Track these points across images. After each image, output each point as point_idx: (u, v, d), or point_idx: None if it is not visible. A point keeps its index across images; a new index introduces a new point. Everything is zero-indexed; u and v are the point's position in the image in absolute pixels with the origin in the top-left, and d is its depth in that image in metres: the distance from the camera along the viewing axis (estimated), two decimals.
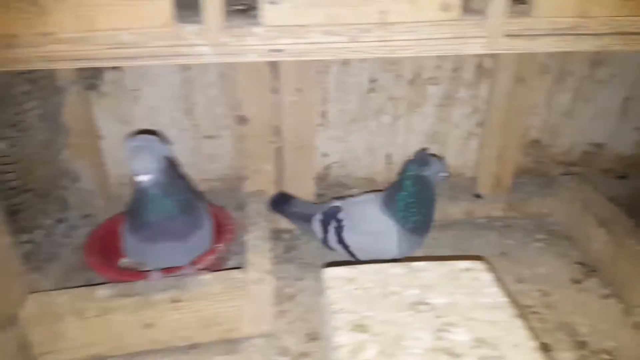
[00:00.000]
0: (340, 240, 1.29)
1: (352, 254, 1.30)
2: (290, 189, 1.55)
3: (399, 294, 0.84)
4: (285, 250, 1.51)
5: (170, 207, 0.99)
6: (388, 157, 1.67)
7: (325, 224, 1.32)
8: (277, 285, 1.33)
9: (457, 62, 1.53)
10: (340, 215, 1.30)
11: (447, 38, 0.95)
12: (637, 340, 1.20)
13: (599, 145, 1.71)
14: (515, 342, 0.76)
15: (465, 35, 0.95)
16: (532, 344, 0.76)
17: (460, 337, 0.76)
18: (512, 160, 1.61)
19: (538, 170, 1.72)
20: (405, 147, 1.65)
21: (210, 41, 0.90)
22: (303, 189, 1.57)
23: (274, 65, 1.38)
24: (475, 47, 0.96)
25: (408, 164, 1.24)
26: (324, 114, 1.57)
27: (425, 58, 1.51)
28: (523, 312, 1.26)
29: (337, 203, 1.36)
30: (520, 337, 0.77)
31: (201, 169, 1.58)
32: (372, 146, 1.64)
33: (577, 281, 1.39)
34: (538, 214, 1.64)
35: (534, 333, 0.80)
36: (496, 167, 1.62)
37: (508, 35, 0.96)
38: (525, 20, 0.96)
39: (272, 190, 1.53)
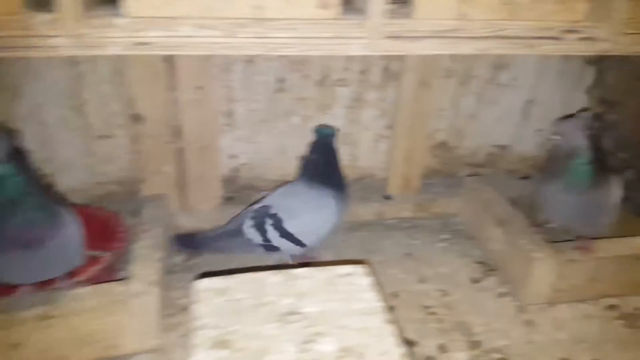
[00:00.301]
0: (283, 233, 1.28)
1: (298, 242, 1.29)
2: (194, 191, 1.48)
3: (273, 304, 0.80)
4: (187, 258, 1.44)
5: (15, 209, 0.88)
6: (299, 158, 1.63)
7: (260, 226, 1.29)
8: (171, 296, 1.27)
9: (365, 65, 1.52)
10: (273, 210, 1.29)
11: (328, 37, 0.92)
12: (528, 338, 1.24)
13: (503, 147, 1.77)
14: (382, 349, 0.75)
15: (346, 36, 0.93)
16: (399, 350, 0.75)
17: (326, 347, 0.74)
18: (421, 162, 1.63)
19: (446, 172, 1.76)
20: None
21: (66, 32, 0.82)
22: (208, 192, 1.51)
23: (169, 61, 1.31)
24: (356, 48, 0.94)
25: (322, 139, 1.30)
26: (229, 114, 1.51)
27: (333, 59, 1.49)
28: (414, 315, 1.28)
29: (259, 205, 1.33)
30: (388, 345, 0.75)
31: (94, 172, 1.47)
32: (282, 147, 1.60)
33: (476, 280, 1.42)
34: (444, 214, 1.68)
35: (401, 339, 0.79)
36: (405, 169, 1.63)
37: (389, 37, 0.95)
38: (406, 21, 0.95)
39: (173, 194, 1.46)
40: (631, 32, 1.07)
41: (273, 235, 1.29)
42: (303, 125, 1.58)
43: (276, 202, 1.32)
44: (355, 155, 1.68)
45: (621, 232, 1.51)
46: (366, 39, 0.95)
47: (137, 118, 1.36)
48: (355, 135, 1.64)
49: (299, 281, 0.85)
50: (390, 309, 1.31)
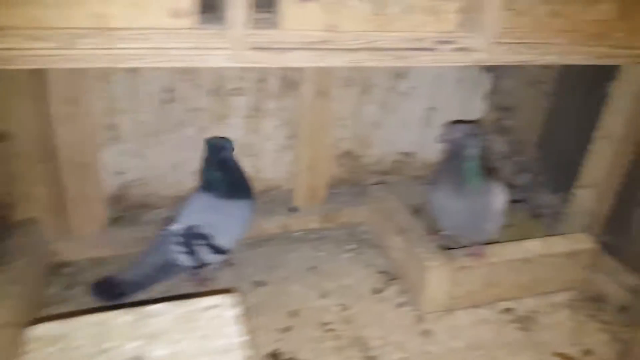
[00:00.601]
0: (216, 249, 1.26)
1: (224, 252, 1.29)
2: (75, 214, 1.35)
3: (115, 349, 0.72)
4: (66, 287, 1.30)
5: None
6: (196, 172, 1.55)
7: (190, 249, 1.23)
8: None
9: (262, 74, 1.47)
10: (203, 230, 1.24)
11: (184, 48, 0.85)
12: (424, 349, 1.23)
13: (407, 154, 1.78)
14: None
15: (207, 46, 0.86)
16: None
17: None
18: (326, 172, 1.60)
19: (352, 180, 1.74)
20: None
21: None
22: (90, 213, 1.38)
23: (36, 72, 1.17)
24: (218, 60, 0.88)
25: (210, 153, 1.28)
26: (113, 127, 1.39)
27: (227, 68, 1.42)
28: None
29: (176, 227, 1.23)
30: None
31: None
32: (176, 161, 1.51)
33: (377, 291, 1.40)
34: (351, 224, 1.65)
35: None
36: (310, 179, 1.59)
37: (254, 48, 0.89)
38: (273, 32, 0.90)
39: (49, 218, 1.32)
40: (506, 41, 1.09)
41: (205, 254, 1.25)
42: (198, 137, 1.48)
43: (200, 220, 1.25)
44: (259, 167, 1.61)
45: (518, 234, 1.57)
46: (229, 50, 0.89)
47: (1, 136, 1.21)
48: (257, 146, 1.58)
49: (152, 320, 0.77)
50: (287, 329, 1.26)
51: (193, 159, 1.51)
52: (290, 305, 1.32)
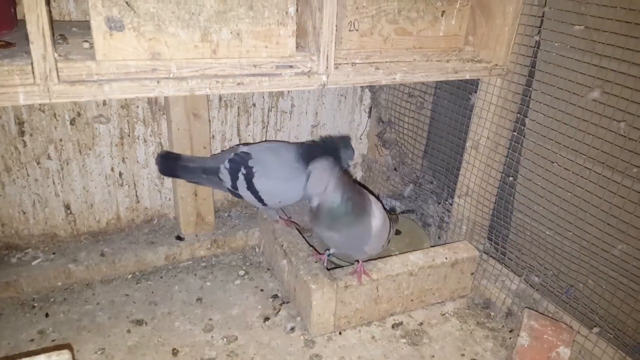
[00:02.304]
0: (250, 187, 1.31)
1: (260, 199, 1.34)
2: None
3: None
4: None
5: None
6: (67, 206, 1.44)
7: (234, 172, 1.32)
8: None
9: (124, 100, 1.38)
10: (251, 163, 1.31)
11: None
12: None
13: None
14: None
15: (9, 84, 0.78)
16: None
17: None
18: (209, 196, 1.53)
19: (244, 202, 1.68)
20: (86, 192, 1.44)
21: None
22: None
23: None
24: (26, 97, 0.79)
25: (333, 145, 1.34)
26: None
27: None
28: None
29: (244, 149, 1.35)
30: None
31: None
32: (41, 197, 1.39)
33: (267, 318, 1.35)
34: (244, 248, 1.60)
35: None
36: (195, 205, 1.52)
37: (67, 82, 0.81)
38: (87, 64, 0.83)
39: None
40: (352, 62, 1.08)
41: (241, 184, 1.31)
42: (63, 169, 1.38)
43: (258, 156, 1.33)
44: (138, 196, 1.52)
45: (408, 244, 1.58)
46: (36, 85, 0.81)
47: None
48: (132, 175, 1.49)
49: None
50: None
51: (61, 193, 1.42)
52: (170, 344, 1.24)
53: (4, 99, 0.79)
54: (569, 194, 1.19)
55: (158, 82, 0.88)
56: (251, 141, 1.62)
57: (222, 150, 1.44)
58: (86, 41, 0.92)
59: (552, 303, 1.27)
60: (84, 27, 1.11)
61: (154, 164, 1.49)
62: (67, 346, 1.11)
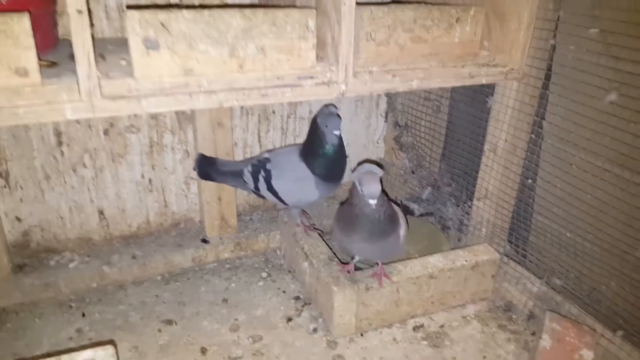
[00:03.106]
0: (270, 188, 1.40)
1: (281, 199, 1.43)
2: None
3: None
4: None
5: None
6: (101, 212, 1.52)
7: (255, 175, 1.42)
8: None
9: None
10: (269, 166, 1.42)
11: (33, 105, 0.83)
12: None
13: None
14: None
15: (58, 100, 0.85)
16: None
17: None
18: (232, 200, 1.59)
19: (265, 206, 1.74)
20: (119, 198, 1.52)
21: None
22: None
23: None
24: (72, 112, 0.86)
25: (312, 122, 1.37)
26: (4, 175, 1.35)
27: None
28: None
29: (266, 155, 1.46)
30: None
31: None
32: (77, 203, 1.47)
33: (289, 318, 1.40)
34: (266, 250, 1.65)
35: None
36: (219, 209, 1.58)
37: (109, 98, 0.88)
38: (127, 81, 0.89)
39: None
40: (369, 70, 1.11)
41: (262, 185, 1.42)
42: (97, 177, 1.47)
43: (274, 159, 1.44)
44: (166, 202, 1.59)
45: (427, 248, 1.60)
46: (81, 101, 0.87)
47: None
48: (161, 181, 1.56)
49: None
50: None
51: (95, 199, 1.50)
52: (199, 343, 1.30)
53: (53, 114, 0.86)
54: (589, 195, 1.19)
55: (190, 96, 0.94)
56: (271, 147, 1.68)
57: (252, 157, 1.54)
58: (123, 59, 0.98)
59: (575, 306, 1.27)
60: (118, 44, 1.19)
61: (182, 172, 1.57)
62: (110, 342, 1.17)
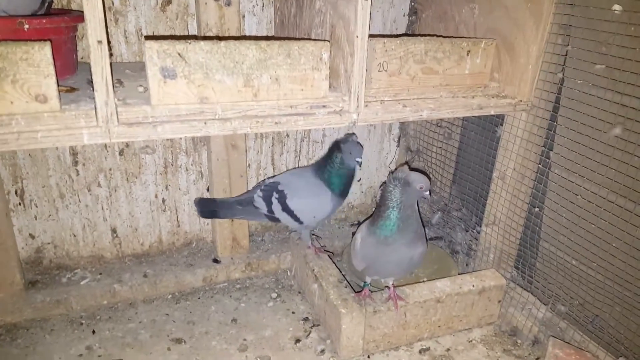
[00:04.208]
0: (285, 208, 1.43)
1: (296, 218, 1.46)
2: None
3: None
4: None
5: None
6: (114, 230, 1.54)
7: (267, 198, 1.45)
8: None
9: None
10: (280, 187, 1.45)
11: (52, 129, 0.87)
12: None
13: None
14: None
15: (75, 126, 0.88)
16: None
17: None
18: (245, 221, 1.61)
19: (276, 227, 1.76)
20: (132, 217, 1.55)
21: None
22: (5, 279, 1.37)
23: None
24: (89, 137, 0.90)
25: (335, 147, 1.44)
26: (19, 193, 1.39)
27: None
28: None
29: (270, 180, 1.50)
30: None
31: None
32: (91, 221, 1.50)
33: (298, 339, 1.40)
34: (276, 271, 1.67)
35: None
36: (231, 229, 1.61)
37: (126, 124, 0.91)
38: (143, 108, 0.92)
39: None
40: (381, 100, 1.14)
41: (277, 207, 1.44)
42: (111, 196, 1.50)
43: (285, 181, 1.47)
44: (178, 221, 1.62)
45: (439, 270, 1.61)
46: (98, 127, 0.91)
47: None
48: (174, 201, 1.59)
49: None
50: None
51: (109, 217, 1.54)
52: None
53: (71, 139, 0.89)
54: (593, 225, 1.21)
55: (205, 123, 0.97)
56: (284, 169, 1.71)
57: (249, 190, 1.56)
58: (140, 85, 1.02)
59: (578, 332, 1.28)
60: (136, 69, 1.23)
61: (195, 192, 1.60)
62: None
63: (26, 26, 0.96)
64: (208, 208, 1.49)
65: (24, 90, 0.84)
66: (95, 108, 0.89)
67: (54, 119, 0.87)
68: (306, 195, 1.44)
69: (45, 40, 0.86)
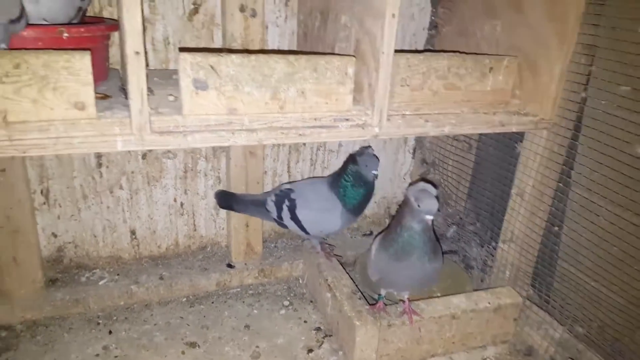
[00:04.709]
0: (293, 217, 1.45)
1: (303, 229, 1.47)
2: (8, 276, 1.37)
3: None
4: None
5: None
6: (133, 232, 1.57)
7: (279, 204, 1.46)
8: None
9: None
10: (293, 195, 1.46)
11: (87, 136, 0.89)
12: None
13: None
14: None
15: (110, 133, 0.91)
16: None
17: None
18: (259, 227, 1.63)
19: (290, 234, 1.77)
20: (151, 220, 1.57)
21: None
22: (25, 276, 1.40)
23: None
24: (123, 144, 0.92)
25: (351, 159, 1.45)
26: (44, 193, 1.42)
27: None
28: None
29: (287, 186, 1.51)
30: None
31: None
32: (111, 223, 1.53)
33: (310, 349, 1.41)
34: (289, 278, 1.68)
35: None
36: (246, 235, 1.62)
37: (157, 132, 0.93)
38: (175, 118, 0.95)
39: None
40: (402, 114, 1.15)
41: (286, 215, 1.46)
42: (132, 198, 1.53)
43: (299, 190, 1.49)
44: (195, 225, 1.64)
45: (453, 285, 1.61)
46: (132, 135, 0.93)
47: None
48: (192, 206, 1.62)
49: None
50: None
51: (129, 219, 1.56)
52: None
53: (105, 145, 0.92)
54: (615, 247, 1.20)
55: (233, 133, 0.99)
56: (299, 177, 1.73)
57: (268, 191, 1.59)
58: (170, 94, 1.04)
59: (597, 355, 1.26)
60: (164, 76, 1.26)
61: (212, 197, 1.62)
62: None
63: (65, 34, 1.00)
64: (226, 201, 1.53)
65: (64, 98, 0.87)
66: (130, 116, 0.91)
67: (91, 126, 0.90)
68: (316, 208, 1.45)
69: (81, 48, 0.89)
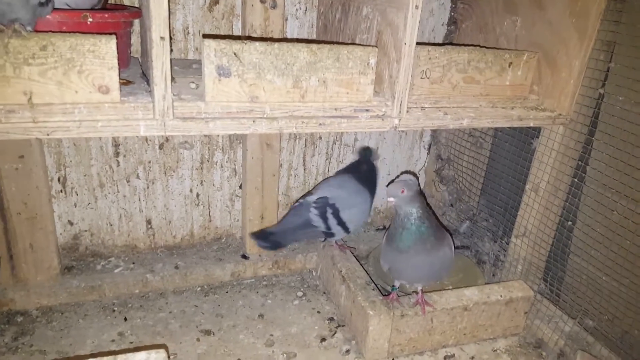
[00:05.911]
0: (339, 221, 1.45)
1: (345, 228, 1.48)
2: (25, 263, 1.39)
3: None
4: (14, 337, 1.32)
5: None
6: (149, 221, 1.59)
7: (323, 215, 1.44)
8: None
9: None
10: (332, 201, 1.46)
11: (111, 120, 0.90)
12: None
13: None
14: None
15: (133, 117, 0.92)
16: None
17: None
18: (274, 219, 1.64)
19: None
20: (167, 210, 1.59)
21: None
22: (42, 263, 1.41)
23: None
24: (145, 129, 0.93)
25: (366, 153, 1.58)
26: (62, 180, 1.44)
27: None
28: None
29: (311, 197, 1.47)
30: None
31: None
32: (127, 212, 1.55)
33: (323, 338, 1.43)
34: (302, 270, 1.70)
35: None
36: (260, 226, 1.63)
37: (180, 118, 0.95)
38: (197, 104, 0.96)
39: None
40: (422, 106, 1.17)
41: (332, 222, 1.45)
42: (148, 188, 1.54)
43: (332, 193, 1.48)
44: (210, 216, 1.66)
45: (465, 279, 1.62)
46: (154, 120, 0.94)
47: None
48: (208, 197, 1.63)
49: None
50: None
51: (145, 209, 1.58)
52: (235, 355, 1.34)
53: (128, 130, 0.93)
54: (628, 241, 1.21)
55: (254, 121, 1.00)
56: (314, 171, 1.74)
57: (286, 213, 1.53)
58: (192, 82, 1.05)
59: (606, 348, 1.28)
60: (184, 65, 1.27)
61: (227, 188, 1.63)
62: (163, 346, 1.22)
63: (90, 20, 1.01)
64: (268, 240, 1.43)
65: (89, 81, 0.88)
66: (153, 101, 0.92)
67: (114, 110, 0.91)
68: (355, 204, 1.49)
69: (105, 34, 0.89)
